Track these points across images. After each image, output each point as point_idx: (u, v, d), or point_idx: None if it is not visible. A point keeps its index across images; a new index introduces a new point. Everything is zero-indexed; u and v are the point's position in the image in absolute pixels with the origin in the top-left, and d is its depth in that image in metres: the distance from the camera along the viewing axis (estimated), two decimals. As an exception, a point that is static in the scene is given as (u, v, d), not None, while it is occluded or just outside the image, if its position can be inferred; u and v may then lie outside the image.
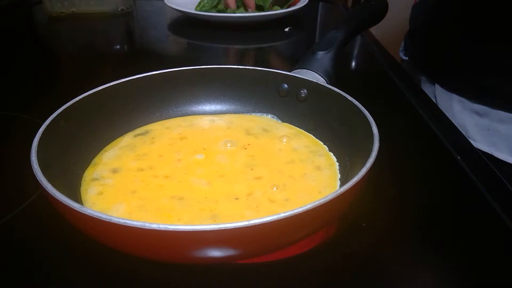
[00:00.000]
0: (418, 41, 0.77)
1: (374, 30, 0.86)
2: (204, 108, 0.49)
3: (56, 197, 0.27)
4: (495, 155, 0.62)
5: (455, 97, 0.65)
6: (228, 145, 0.42)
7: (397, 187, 0.41)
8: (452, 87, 0.66)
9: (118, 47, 0.89)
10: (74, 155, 0.38)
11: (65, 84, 0.65)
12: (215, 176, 0.38)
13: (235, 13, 0.89)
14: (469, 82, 0.63)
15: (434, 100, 0.67)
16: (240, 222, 0.24)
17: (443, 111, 0.56)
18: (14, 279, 0.31)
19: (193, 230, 0.24)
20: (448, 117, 0.54)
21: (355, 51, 0.80)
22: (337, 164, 0.40)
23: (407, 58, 0.81)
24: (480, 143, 0.63)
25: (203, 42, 0.89)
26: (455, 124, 0.53)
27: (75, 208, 0.26)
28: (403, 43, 0.84)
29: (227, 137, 0.44)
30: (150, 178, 0.38)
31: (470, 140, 0.51)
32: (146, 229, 0.24)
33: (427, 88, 0.71)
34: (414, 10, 0.81)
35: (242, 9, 0.91)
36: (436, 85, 0.69)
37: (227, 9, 0.91)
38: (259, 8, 0.91)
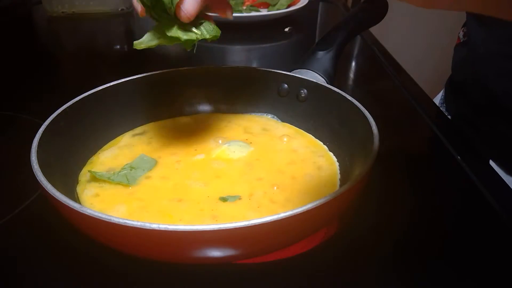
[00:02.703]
0: (461, 95, 0.55)
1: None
2: (204, 108, 0.48)
3: (56, 197, 0.27)
4: None
5: None
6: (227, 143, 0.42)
7: (397, 187, 0.41)
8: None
9: (118, 47, 0.89)
10: (74, 155, 0.38)
11: (65, 84, 0.65)
12: (214, 176, 0.38)
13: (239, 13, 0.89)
14: None
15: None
16: (240, 222, 0.24)
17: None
18: (14, 279, 0.31)
19: (194, 230, 0.24)
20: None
21: (355, 51, 0.80)
22: (337, 164, 0.40)
23: (449, 116, 0.59)
24: None
25: (203, 42, 0.88)
26: None
27: (75, 208, 0.26)
28: (442, 92, 0.63)
29: (226, 136, 0.44)
30: (145, 179, 0.37)
31: None
32: (146, 229, 0.24)
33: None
34: (457, 52, 0.59)
35: (248, 9, 0.90)
36: (491, 161, 0.51)
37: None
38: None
